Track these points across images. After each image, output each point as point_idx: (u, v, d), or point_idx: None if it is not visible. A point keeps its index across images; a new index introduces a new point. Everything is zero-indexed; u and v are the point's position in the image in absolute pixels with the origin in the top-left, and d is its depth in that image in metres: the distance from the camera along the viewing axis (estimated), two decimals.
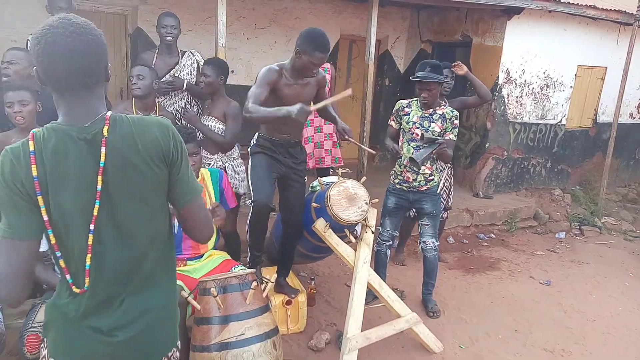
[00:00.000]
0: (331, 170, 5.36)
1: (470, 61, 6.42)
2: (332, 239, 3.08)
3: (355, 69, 7.18)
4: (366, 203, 3.04)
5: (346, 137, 3.21)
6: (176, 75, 3.79)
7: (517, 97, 6.28)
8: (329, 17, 6.67)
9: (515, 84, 6.21)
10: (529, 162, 6.73)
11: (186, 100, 3.86)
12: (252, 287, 2.39)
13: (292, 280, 3.56)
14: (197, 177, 2.80)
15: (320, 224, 3.07)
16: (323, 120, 4.37)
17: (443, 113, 3.38)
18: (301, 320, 3.32)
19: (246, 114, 2.79)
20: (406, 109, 3.46)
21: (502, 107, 6.22)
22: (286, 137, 3.10)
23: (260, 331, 2.36)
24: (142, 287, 1.44)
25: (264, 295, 2.50)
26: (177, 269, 2.70)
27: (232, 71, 5.84)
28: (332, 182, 3.07)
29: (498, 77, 6.05)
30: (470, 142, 6.55)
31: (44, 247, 1.40)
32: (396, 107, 3.50)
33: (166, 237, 1.50)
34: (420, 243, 3.60)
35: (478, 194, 6.37)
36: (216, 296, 2.32)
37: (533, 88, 6.36)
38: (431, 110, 3.39)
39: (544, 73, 6.36)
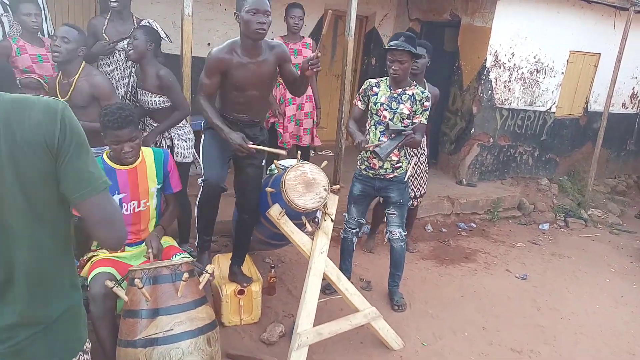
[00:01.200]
0: (312, 151, 5.13)
1: (458, 42, 6.15)
2: (287, 227, 2.86)
3: (340, 46, 6.85)
4: (325, 189, 2.82)
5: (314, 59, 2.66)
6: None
7: (505, 81, 6.02)
8: None
9: (504, 67, 5.95)
10: (516, 150, 6.51)
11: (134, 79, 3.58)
12: (183, 278, 2.17)
13: (249, 267, 3.35)
14: (137, 159, 2.56)
15: (274, 210, 2.85)
16: (305, 97, 4.13)
17: (413, 94, 3.14)
18: (255, 310, 3.12)
19: (198, 104, 2.74)
20: (374, 89, 3.21)
21: (489, 92, 5.96)
22: (242, 117, 2.86)
23: (192, 326, 2.15)
24: (28, 295, 1.24)
25: (201, 287, 2.29)
26: (115, 255, 2.51)
27: (209, 44, 5.58)
28: (290, 166, 2.84)
29: (486, 59, 5.79)
30: (455, 127, 6.31)
31: None
32: (364, 85, 3.25)
33: (63, 239, 1.29)
34: (386, 233, 3.39)
35: (461, 182, 6.15)
36: (141, 288, 2.10)
37: (522, 73, 6.10)
38: (400, 90, 3.14)
39: (535, 57, 6.09)
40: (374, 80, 3.25)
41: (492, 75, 5.90)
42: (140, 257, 2.57)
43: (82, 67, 3.01)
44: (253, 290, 3.08)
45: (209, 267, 2.35)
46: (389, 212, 3.32)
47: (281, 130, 4.26)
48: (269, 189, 2.81)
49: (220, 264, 3.28)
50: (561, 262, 4.76)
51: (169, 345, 2.08)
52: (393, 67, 3.08)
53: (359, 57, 7.08)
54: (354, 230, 3.43)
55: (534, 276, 4.30)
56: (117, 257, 2.51)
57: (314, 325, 2.74)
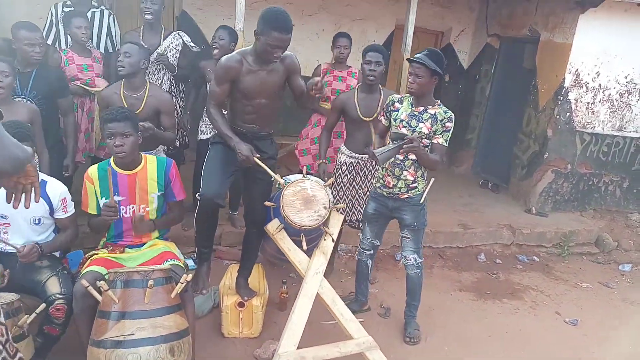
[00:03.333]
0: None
1: (536, 60, 5.69)
2: (284, 243, 2.82)
3: (396, 63, 6.69)
4: (325, 208, 2.74)
5: (318, 85, 2.69)
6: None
7: (588, 103, 5.44)
8: (384, 5, 6.27)
9: (587, 88, 5.37)
10: (600, 179, 5.82)
11: (169, 83, 3.79)
12: (148, 285, 2.22)
13: (259, 280, 3.36)
14: (139, 160, 2.69)
15: (272, 225, 2.83)
16: (320, 115, 4.08)
17: (435, 113, 2.94)
18: (255, 324, 3.10)
19: (208, 112, 2.84)
20: (396, 104, 3.05)
21: (568, 114, 5.42)
22: (252, 127, 2.87)
23: (154, 334, 2.19)
24: None
25: (173, 295, 2.33)
26: (113, 255, 2.65)
27: None
28: (290, 181, 2.80)
29: (564, 79, 5.27)
30: (527, 151, 5.81)
31: None
32: (387, 101, 3.11)
33: None
34: (401, 258, 3.20)
35: (530, 210, 5.65)
36: (106, 290, 2.19)
37: (610, 94, 5.46)
38: (422, 108, 2.96)
39: (626, 78, 5.43)
40: (397, 96, 3.11)
41: (571, 96, 5.36)
42: (137, 260, 2.68)
43: (148, 86, 3.29)
44: (254, 305, 3.07)
45: (183, 277, 2.39)
46: (404, 235, 3.14)
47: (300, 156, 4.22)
48: (268, 203, 2.80)
49: (233, 274, 3.31)
50: (631, 310, 4.15)
51: (128, 349, 2.14)
52: (409, 80, 2.93)
53: None
54: (367, 252, 3.29)
55: (588, 323, 3.79)
56: (114, 257, 2.64)
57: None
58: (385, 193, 3.10)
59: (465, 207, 5.59)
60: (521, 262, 4.87)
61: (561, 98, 5.34)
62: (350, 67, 4.09)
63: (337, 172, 3.64)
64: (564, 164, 5.61)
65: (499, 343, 3.37)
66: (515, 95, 6.14)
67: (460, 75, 6.87)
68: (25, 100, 3.16)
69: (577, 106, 5.41)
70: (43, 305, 2.30)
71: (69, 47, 3.73)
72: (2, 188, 2.37)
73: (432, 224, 4.82)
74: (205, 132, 3.91)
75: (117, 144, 2.57)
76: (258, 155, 2.74)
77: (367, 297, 3.51)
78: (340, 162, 3.64)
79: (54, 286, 2.42)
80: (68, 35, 3.75)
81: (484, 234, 5.02)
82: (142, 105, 3.21)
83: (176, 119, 3.92)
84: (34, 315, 2.24)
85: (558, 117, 5.40)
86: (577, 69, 5.27)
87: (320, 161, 3.64)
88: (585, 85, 5.36)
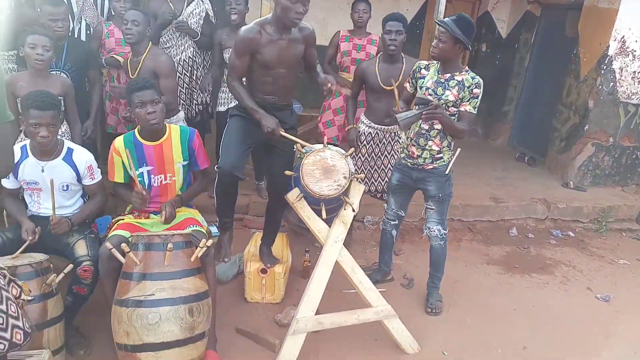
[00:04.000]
0: None
1: (578, 27, 5.40)
2: (304, 212, 2.82)
3: (427, 31, 6.48)
4: (345, 177, 2.72)
5: (329, 86, 2.73)
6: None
7: (634, 72, 5.14)
8: None
9: (633, 56, 5.08)
10: None
11: (192, 50, 3.81)
12: (167, 248, 2.29)
13: (282, 249, 3.40)
14: (163, 130, 2.74)
15: (292, 194, 2.84)
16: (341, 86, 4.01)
17: (462, 79, 2.85)
18: (278, 291, 3.16)
19: (229, 86, 2.82)
20: (423, 71, 2.97)
21: (611, 84, 5.15)
22: (272, 99, 2.86)
23: (173, 295, 2.27)
24: None
25: (193, 259, 2.39)
26: (138, 221, 2.73)
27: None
28: (311, 150, 2.79)
29: (608, 46, 5.00)
30: (567, 123, 5.58)
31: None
32: (414, 67, 3.04)
33: None
34: (425, 229, 3.16)
35: (568, 184, 5.45)
36: (128, 252, 2.27)
37: None
38: (448, 75, 2.87)
39: None
40: (424, 62, 3.02)
41: (615, 65, 5.08)
42: (160, 226, 2.76)
43: (149, 47, 3.31)
44: (276, 272, 3.12)
45: (202, 241, 2.44)
46: (428, 206, 3.09)
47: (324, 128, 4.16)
48: (288, 172, 2.81)
49: (257, 241, 3.37)
50: None
51: (148, 308, 2.22)
52: (433, 44, 2.85)
53: None
54: (392, 222, 3.27)
55: (621, 299, 3.67)
56: (139, 222, 2.73)
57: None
58: (409, 164, 3.05)
59: (499, 181, 5.45)
60: (555, 237, 4.73)
61: (604, 67, 5.07)
62: (370, 34, 3.98)
63: (356, 142, 3.62)
64: (606, 137, 5.36)
65: (525, 317, 3.31)
66: (555, 65, 5.88)
67: (498, 45, 6.61)
68: (59, 73, 3.26)
69: (621, 75, 5.13)
70: (70, 266, 2.42)
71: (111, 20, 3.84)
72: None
73: (463, 197, 4.76)
74: (224, 104, 3.93)
75: (150, 112, 2.61)
76: (282, 129, 2.75)
77: (390, 268, 3.50)
78: (360, 132, 3.61)
79: (81, 249, 2.53)
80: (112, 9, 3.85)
81: (517, 207, 4.89)
82: (138, 68, 3.25)
83: (197, 89, 3.97)
84: (62, 275, 2.35)
85: (600, 87, 5.14)
86: (622, 36, 4.98)
87: (350, 126, 3.62)
88: (632, 53, 5.06)
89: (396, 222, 3.28)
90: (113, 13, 3.88)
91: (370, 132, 3.56)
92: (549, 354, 2.95)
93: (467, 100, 2.85)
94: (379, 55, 3.56)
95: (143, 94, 2.59)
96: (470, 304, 3.39)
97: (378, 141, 3.56)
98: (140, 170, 2.73)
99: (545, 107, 6.06)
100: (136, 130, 2.76)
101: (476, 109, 2.88)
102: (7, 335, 1.63)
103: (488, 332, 3.10)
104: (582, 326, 3.27)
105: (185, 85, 3.89)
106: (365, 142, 3.59)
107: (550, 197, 5.08)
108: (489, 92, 6.59)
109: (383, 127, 3.52)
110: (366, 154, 3.62)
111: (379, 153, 3.61)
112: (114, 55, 3.68)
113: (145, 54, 3.29)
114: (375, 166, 3.65)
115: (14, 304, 1.68)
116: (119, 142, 2.74)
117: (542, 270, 4.00)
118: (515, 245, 4.45)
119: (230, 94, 3.77)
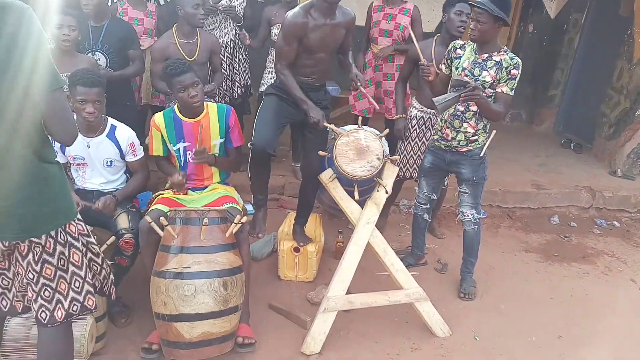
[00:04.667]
0: None
1: (634, 6, 5.12)
2: (337, 192, 2.85)
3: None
4: (378, 159, 2.72)
5: (358, 85, 2.88)
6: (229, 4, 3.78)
7: None
8: None
9: None
10: None
11: (235, 33, 3.85)
12: (203, 223, 2.37)
13: (315, 229, 3.44)
14: (202, 108, 2.80)
15: (325, 174, 2.87)
16: (395, 66, 3.96)
17: (500, 60, 2.77)
18: (310, 270, 3.21)
19: (279, 73, 2.86)
20: (458, 51, 2.90)
21: None
22: (308, 80, 2.89)
23: (208, 268, 2.35)
24: None
25: (227, 234, 2.46)
26: (177, 196, 2.83)
27: None
28: (345, 131, 2.80)
29: None
30: (617, 108, 5.34)
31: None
32: (449, 47, 2.96)
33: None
34: (458, 214, 3.13)
35: (616, 172, 5.23)
36: (166, 225, 2.36)
37: None
38: (486, 55, 2.80)
39: None
40: (459, 42, 2.94)
41: None
42: (199, 202, 2.83)
43: (198, 31, 3.45)
44: (309, 251, 3.17)
45: (237, 218, 2.50)
46: (461, 190, 3.05)
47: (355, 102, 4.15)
48: (322, 153, 2.83)
49: (291, 221, 3.42)
50: None
51: (185, 280, 2.31)
52: (471, 26, 2.77)
53: (514, 23, 6.36)
54: (424, 206, 3.24)
55: None
56: (178, 198, 2.81)
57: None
58: (443, 146, 3.01)
59: (542, 167, 5.29)
60: (599, 227, 4.57)
61: None
62: (404, 2, 3.85)
63: (403, 133, 3.55)
64: None
65: (562, 306, 3.24)
66: (606, 46, 5.61)
67: (546, 26, 6.34)
68: (91, 54, 3.32)
69: None
70: (113, 238, 2.53)
71: None
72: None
73: (502, 183, 4.66)
74: (266, 84, 3.97)
75: (192, 95, 2.68)
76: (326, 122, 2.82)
77: (423, 251, 3.49)
78: (411, 116, 3.54)
79: (123, 221, 2.64)
80: None
81: (560, 195, 4.75)
82: (197, 50, 3.40)
83: (239, 71, 4.02)
84: (105, 246, 2.46)
85: None
86: None
87: (399, 115, 3.53)
88: None
89: (427, 205, 3.25)
90: None
91: (422, 117, 3.49)
92: (585, 346, 2.88)
93: (505, 82, 2.77)
94: (436, 36, 3.42)
95: (184, 77, 2.65)
96: (505, 290, 3.34)
97: (430, 126, 3.47)
98: (178, 146, 2.82)
99: (593, 92, 5.81)
100: (176, 106, 2.84)
101: (513, 91, 2.80)
102: (80, 298, 1.80)
103: (522, 320, 3.05)
104: (623, 319, 3.17)
105: (227, 67, 3.94)
106: (416, 126, 3.52)
107: (596, 185, 4.90)
108: (534, 76, 6.41)
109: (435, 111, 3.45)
110: (416, 139, 3.55)
111: (430, 138, 3.55)
112: None
113: (198, 37, 3.45)
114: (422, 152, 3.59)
115: (91, 273, 1.85)
116: (158, 117, 2.83)
117: (582, 260, 3.88)
118: (556, 234, 4.33)
119: (274, 76, 3.79)
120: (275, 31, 3.80)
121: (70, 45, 2.97)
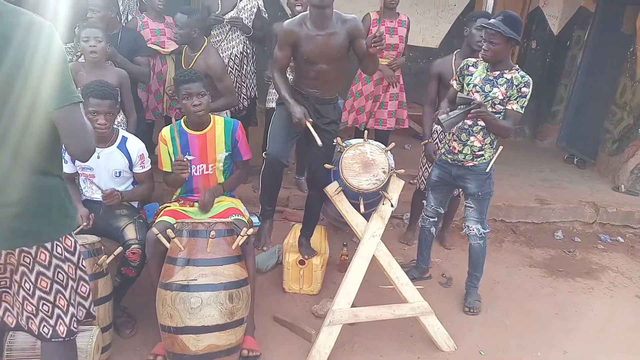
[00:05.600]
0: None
1: (637, 23, 5.18)
2: (342, 205, 2.87)
3: None
4: (384, 172, 2.74)
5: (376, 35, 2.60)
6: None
7: None
8: None
9: None
10: None
11: (244, 45, 3.90)
12: (210, 236, 2.38)
13: (320, 241, 3.45)
14: (208, 121, 2.83)
15: (331, 187, 2.89)
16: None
17: (511, 77, 2.80)
18: (315, 283, 3.21)
19: (272, 76, 2.93)
20: (470, 68, 2.93)
21: None
22: (314, 92, 2.92)
23: (215, 280, 2.36)
24: None
25: (234, 247, 2.47)
26: (183, 208, 2.84)
27: None
28: (350, 144, 2.83)
29: None
30: (620, 124, 5.36)
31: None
32: (461, 64, 3.00)
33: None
34: (464, 227, 3.14)
35: (619, 188, 5.24)
36: (173, 237, 2.37)
37: None
38: (497, 72, 2.83)
39: None
40: (472, 60, 2.98)
41: None
42: (205, 214, 2.85)
43: (204, 45, 3.45)
44: (314, 263, 3.17)
45: (243, 230, 2.52)
46: (467, 204, 3.06)
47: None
48: (328, 166, 2.85)
49: (296, 233, 3.43)
50: None
51: (191, 293, 2.32)
52: (483, 47, 2.81)
53: None
54: (431, 220, 3.25)
55: None
56: (184, 210, 2.83)
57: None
58: (449, 160, 3.03)
59: (545, 182, 5.30)
60: (603, 242, 4.57)
61: None
62: (399, 14, 3.95)
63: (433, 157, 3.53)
64: None
65: (566, 321, 3.23)
66: (609, 63, 5.65)
67: (549, 42, 6.40)
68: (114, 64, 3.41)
69: None
70: (120, 249, 2.55)
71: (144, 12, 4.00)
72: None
73: (506, 197, 4.67)
74: (273, 100, 4.01)
75: (195, 104, 2.71)
76: (311, 120, 2.81)
77: (428, 265, 3.49)
78: (433, 130, 3.58)
79: (130, 232, 2.66)
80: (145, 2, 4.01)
81: (563, 210, 4.75)
82: (192, 63, 3.41)
83: (246, 83, 4.06)
84: (112, 256, 2.48)
85: None
86: None
87: (426, 140, 3.54)
88: None
89: (435, 219, 3.26)
90: (145, 1, 4.02)
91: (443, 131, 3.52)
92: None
93: (515, 99, 2.80)
94: (455, 52, 3.48)
95: (190, 86, 2.69)
96: (509, 305, 3.33)
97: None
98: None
99: (597, 108, 5.84)
100: (183, 119, 2.87)
101: (523, 109, 2.83)
102: (80, 313, 1.77)
103: (527, 335, 3.04)
104: (628, 334, 3.16)
105: (234, 79, 3.99)
106: (437, 140, 3.57)
107: (600, 201, 4.91)
108: (538, 91, 6.43)
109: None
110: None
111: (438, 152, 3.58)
112: (151, 45, 3.82)
113: (200, 51, 3.44)
114: None
115: (87, 286, 1.82)
116: (165, 131, 2.86)
117: (587, 275, 3.88)
118: (560, 249, 4.32)
119: None
120: None
121: (97, 56, 3.05)
